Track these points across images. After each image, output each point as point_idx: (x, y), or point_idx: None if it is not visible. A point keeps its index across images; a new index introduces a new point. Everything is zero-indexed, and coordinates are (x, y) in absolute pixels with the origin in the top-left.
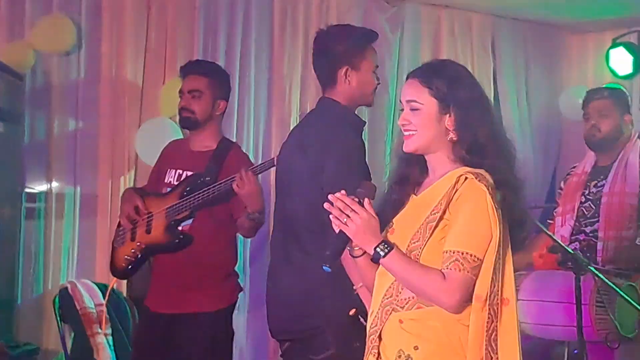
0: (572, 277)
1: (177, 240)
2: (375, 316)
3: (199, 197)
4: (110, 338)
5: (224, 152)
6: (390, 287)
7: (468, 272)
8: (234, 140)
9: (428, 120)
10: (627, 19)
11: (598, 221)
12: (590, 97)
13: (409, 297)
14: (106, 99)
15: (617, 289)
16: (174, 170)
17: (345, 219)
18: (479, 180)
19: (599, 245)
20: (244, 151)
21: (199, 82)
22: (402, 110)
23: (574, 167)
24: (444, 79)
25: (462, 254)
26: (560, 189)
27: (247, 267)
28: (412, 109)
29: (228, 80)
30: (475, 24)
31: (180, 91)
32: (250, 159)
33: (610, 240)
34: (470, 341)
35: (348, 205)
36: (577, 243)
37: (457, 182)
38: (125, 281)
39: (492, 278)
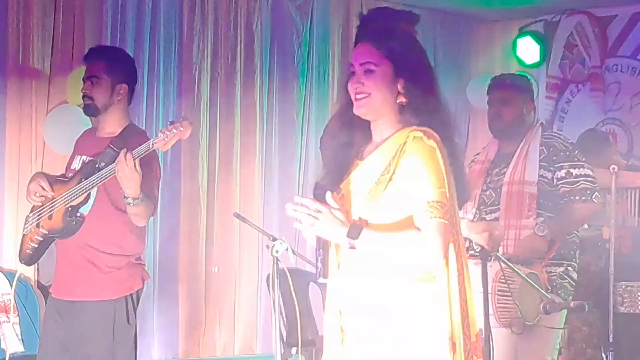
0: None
1: (73, 223)
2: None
3: (92, 181)
4: (17, 327)
5: (127, 137)
6: (341, 253)
7: (441, 217)
8: (143, 126)
9: (382, 83)
10: (533, 8)
11: (499, 209)
12: (493, 85)
13: None
14: (13, 86)
15: (523, 275)
16: (79, 157)
17: (313, 222)
18: (428, 137)
19: None
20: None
21: (97, 68)
22: (353, 73)
23: (477, 155)
24: (398, 42)
25: (429, 203)
26: None
27: (156, 253)
28: (367, 71)
29: (130, 63)
30: None
31: (83, 79)
32: None
33: (511, 228)
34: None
35: (310, 209)
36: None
37: (405, 142)
38: (36, 270)
39: (452, 231)
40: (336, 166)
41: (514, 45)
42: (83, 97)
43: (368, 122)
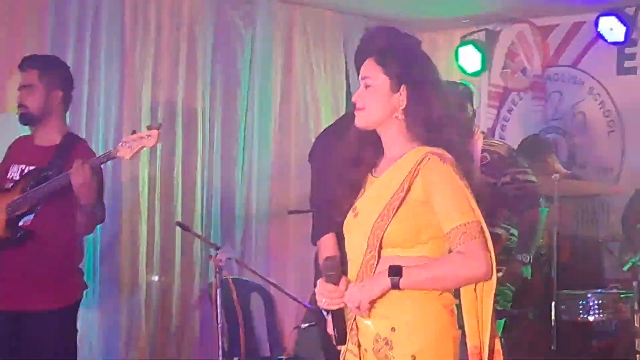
0: None
1: (17, 236)
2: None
3: (39, 191)
4: None
5: (69, 146)
6: (359, 271)
7: (477, 237)
8: (84, 135)
9: (378, 97)
10: (476, 18)
11: None
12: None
13: None
14: None
15: None
16: (17, 166)
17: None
18: (443, 161)
19: None
20: (91, 148)
21: (30, 76)
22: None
23: None
24: (398, 57)
25: (465, 225)
26: None
27: (97, 263)
28: (366, 86)
29: (64, 70)
30: (327, 21)
31: (18, 88)
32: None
33: None
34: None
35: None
36: None
37: (420, 162)
38: None
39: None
40: (352, 182)
41: (456, 54)
42: (18, 106)
43: (378, 136)
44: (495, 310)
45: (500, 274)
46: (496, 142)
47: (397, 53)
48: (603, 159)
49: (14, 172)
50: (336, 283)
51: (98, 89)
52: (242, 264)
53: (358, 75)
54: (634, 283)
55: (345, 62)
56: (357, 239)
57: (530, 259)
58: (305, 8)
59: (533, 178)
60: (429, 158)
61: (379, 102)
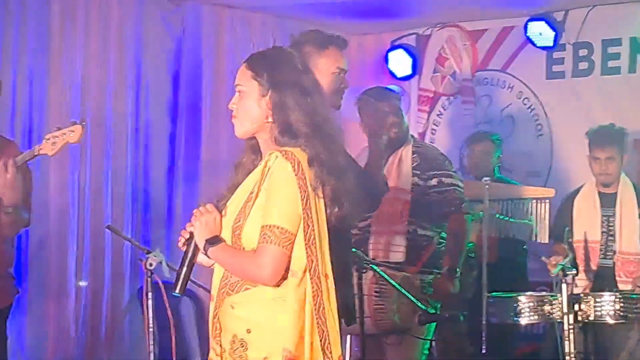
0: None
1: None
2: (215, 302)
3: None
4: None
5: None
6: (225, 271)
7: (277, 244)
8: (11, 136)
9: (248, 104)
10: (405, 22)
11: (371, 216)
12: (364, 98)
13: (237, 281)
14: None
15: (396, 284)
16: None
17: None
18: (286, 158)
19: (371, 239)
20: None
21: None
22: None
23: None
24: (266, 62)
25: (270, 227)
26: None
27: (25, 268)
28: (239, 92)
29: None
30: (256, 23)
31: None
32: None
33: (383, 234)
34: (291, 317)
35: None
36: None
37: (267, 160)
38: None
39: (308, 252)
40: (232, 186)
41: (386, 58)
42: None
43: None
44: (428, 313)
45: (430, 277)
46: (424, 144)
47: (266, 57)
48: (531, 162)
49: None
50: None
51: (25, 90)
52: (173, 268)
53: None
54: (563, 286)
55: None
56: (225, 237)
57: (459, 273)
58: (233, 10)
59: (458, 182)
60: (276, 156)
61: (248, 109)
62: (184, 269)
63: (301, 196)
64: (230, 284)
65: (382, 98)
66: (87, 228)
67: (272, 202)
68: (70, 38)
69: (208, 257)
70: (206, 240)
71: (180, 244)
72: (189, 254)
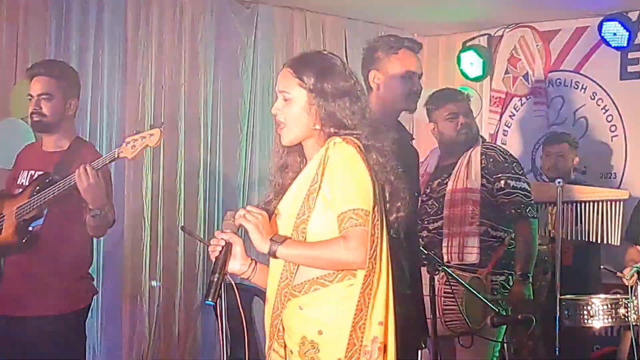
0: None
1: (24, 240)
2: (274, 304)
3: (46, 195)
4: None
5: (76, 150)
6: (283, 271)
7: (364, 225)
8: (87, 138)
9: (296, 111)
10: (477, 22)
11: (442, 218)
12: (436, 100)
13: (304, 281)
14: None
15: (465, 283)
16: (26, 172)
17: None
18: (347, 142)
19: (444, 242)
20: (98, 150)
21: (48, 85)
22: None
23: None
24: (313, 70)
25: (354, 210)
26: None
27: (100, 268)
28: (284, 99)
29: (77, 78)
30: (327, 26)
31: (29, 94)
32: None
33: (456, 236)
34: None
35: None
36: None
37: (327, 149)
38: None
39: (372, 232)
40: (278, 189)
41: (458, 60)
42: (33, 113)
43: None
44: (502, 316)
45: (502, 278)
46: (493, 146)
47: (313, 64)
48: (605, 164)
49: (24, 178)
50: (224, 232)
51: (101, 94)
52: None
53: None
54: (639, 288)
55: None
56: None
57: (530, 279)
58: (304, 12)
59: (525, 185)
60: (334, 142)
61: (298, 118)
62: (218, 276)
63: (370, 176)
64: (294, 285)
65: (452, 99)
66: (160, 229)
67: (348, 186)
68: (144, 42)
69: (275, 257)
70: (271, 240)
71: (216, 254)
72: (221, 262)
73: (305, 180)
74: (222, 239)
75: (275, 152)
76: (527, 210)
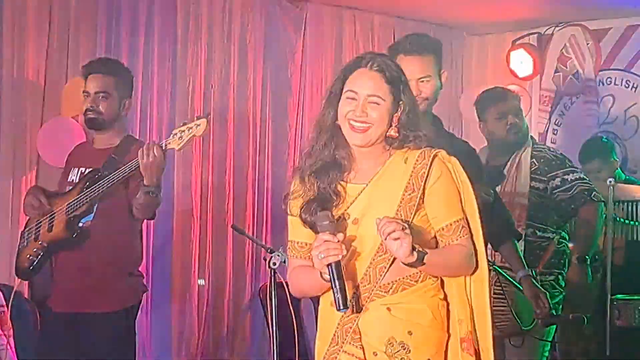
0: None
1: (74, 235)
2: (351, 307)
3: (95, 191)
4: (11, 340)
5: (126, 147)
6: (365, 274)
7: (470, 234)
8: (137, 136)
9: (384, 116)
10: (526, 21)
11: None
12: (486, 98)
13: (392, 282)
14: (7, 98)
15: (515, 283)
16: (76, 169)
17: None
18: (448, 159)
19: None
20: None
21: (106, 83)
22: (352, 99)
23: None
24: (399, 77)
25: (460, 220)
26: None
27: (149, 266)
28: (372, 103)
29: (131, 77)
30: (377, 24)
31: (86, 91)
32: None
33: None
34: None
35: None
36: None
37: (432, 161)
38: (26, 283)
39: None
40: (321, 186)
41: (507, 58)
42: (88, 110)
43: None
44: (553, 316)
45: (551, 278)
46: (542, 147)
47: (399, 71)
48: None
49: (74, 175)
50: (332, 233)
51: (150, 94)
52: None
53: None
54: None
55: None
56: (369, 248)
57: (590, 261)
58: (354, 11)
59: (582, 175)
60: (436, 155)
61: (384, 121)
62: (340, 282)
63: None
64: (381, 285)
65: (501, 98)
66: (209, 226)
67: (450, 198)
68: (194, 38)
69: (423, 264)
70: (415, 250)
71: (337, 258)
72: (342, 265)
73: (392, 190)
74: (338, 241)
75: (318, 146)
76: (593, 195)
